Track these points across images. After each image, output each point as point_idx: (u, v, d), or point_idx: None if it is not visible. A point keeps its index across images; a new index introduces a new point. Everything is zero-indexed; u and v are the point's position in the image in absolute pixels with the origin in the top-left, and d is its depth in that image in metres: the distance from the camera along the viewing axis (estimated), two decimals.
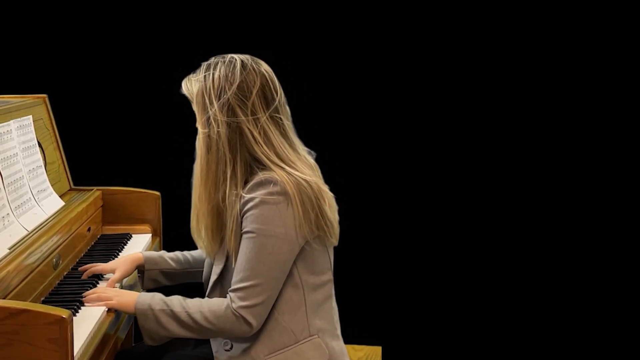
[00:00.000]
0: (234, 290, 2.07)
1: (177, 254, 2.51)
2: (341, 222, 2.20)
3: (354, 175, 3.73)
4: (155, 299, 2.15)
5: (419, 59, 3.64)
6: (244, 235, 2.07)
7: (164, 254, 2.50)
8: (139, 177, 3.38)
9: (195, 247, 2.42)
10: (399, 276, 3.78)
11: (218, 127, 2.08)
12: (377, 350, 2.84)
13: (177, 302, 2.13)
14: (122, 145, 3.76)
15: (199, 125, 2.14)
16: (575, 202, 3.65)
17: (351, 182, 3.72)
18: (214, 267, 2.21)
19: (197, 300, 2.14)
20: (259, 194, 2.04)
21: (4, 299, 2.03)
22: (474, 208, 3.72)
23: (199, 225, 2.18)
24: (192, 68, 2.22)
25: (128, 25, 3.70)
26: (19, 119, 2.62)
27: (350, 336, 2.88)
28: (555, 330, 3.74)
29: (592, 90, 3.56)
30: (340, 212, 2.21)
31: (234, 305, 2.05)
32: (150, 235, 3.04)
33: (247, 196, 2.05)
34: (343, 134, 3.72)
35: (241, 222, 2.08)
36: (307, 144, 2.24)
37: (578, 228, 3.66)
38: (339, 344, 2.23)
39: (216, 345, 2.21)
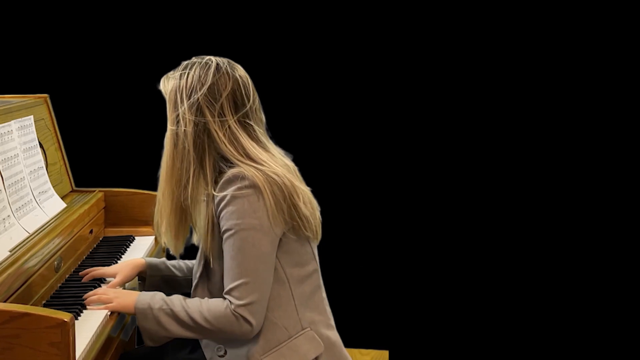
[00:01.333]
0: (228, 292, 2.08)
1: (179, 262, 2.52)
2: (347, 227, 2.20)
3: (362, 178, 3.73)
4: (156, 299, 2.16)
5: (399, 59, 3.66)
6: (224, 236, 2.10)
7: (166, 261, 2.52)
8: (142, 179, 3.35)
9: (197, 250, 2.43)
10: (406, 279, 3.77)
11: (185, 126, 2.13)
12: (384, 355, 2.84)
13: (177, 301, 2.15)
14: (125, 145, 3.76)
15: (168, 122, 2.19)
16: (566, 201, 3.67)
17: (359, 185, 3.72)
18: (194, 269, 2.25)
19: (196, 300, 2.16)
20: (229, 190, 2.07)
21: (4, 302, 2.02)
22: (479, 210, 3.72)
23: (161, 221, 2.23)
24: None
25: (132, 24, 3.70)
26: (20, 119, 2.61)
27: (357, 340, 2.87)
28: (561, 331, 3.73)
29: (592, 90, 3.58)
30: (346, 217, 2.22)
31: (232, 306, 2.07)
32: (154, 237, 3.03)
33: (219, 195, 2.09)
34: (335, 135, 3.73)
35: (218, 223, 2.11)
36: (306, 145, 2.25)
37: (573, 227, 3.68)
38: (333, 333, 2.25)
39: (210, 352, 2.22)
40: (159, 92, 3.72)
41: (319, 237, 2.23)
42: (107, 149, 3.76)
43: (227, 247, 2.09)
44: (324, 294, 2.28)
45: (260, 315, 2.09)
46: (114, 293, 2.25)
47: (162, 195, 2.20)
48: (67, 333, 1.83)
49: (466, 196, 3.72)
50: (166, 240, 2.25)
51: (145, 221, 3.07)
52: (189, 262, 2.51)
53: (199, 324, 2.10)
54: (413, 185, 3.74)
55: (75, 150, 3.18)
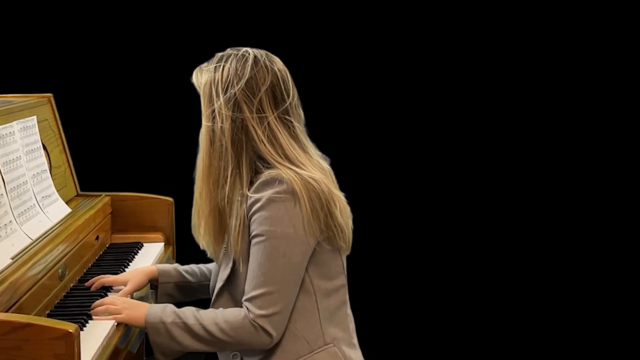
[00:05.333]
0: (250, 300, 2.06)
1: (192, 266, 2.50)
2: (363, 235, 2.20)
3: (380, 185, 3.74)
4: (167, 312, 2.14)
5: (435, 69, 3.70)
6: (254, 241, 2.08)
7: (178, 266, 2.50)
8: (151, 182, 3.37)
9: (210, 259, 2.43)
10: (426, 290, 3.78)
11: (222, 122, 2.11)
12: None
13: (190, 313, 2.13)
14: (132, 148, 3.77)
15: (203, 117, 2.16)
16: (583, 202, 3.73)
17: (379, 195, 3.73)
18: (220, 272, 2.22)
19: (211, 311, 2.15)
20: (266, 193, 2.05)
21: (6, 312, 2.02)
22: (500, 222, 3.75)
23: (199, 222, 2.21)
24: None
25: (140, 20, 3.71)
26: (22, 120, 2.62)
27: (375, 351, 2.87)
28: (571, 336, 3.77)
29: (592, 90, 3.64)
30: (362, 224, 2.21)
31: (251, 316, 2.05)
32: (163, 244, 3.03)
33: (254, 196, 2.06)
34: (361, 140, 3.73)
35: (249, 225, 2.09)
36: (322, 149, 2.25)
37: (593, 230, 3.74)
38: (356, 353, 2.23)
39: (224, 358, 2.21)
40: (168, 92, 3.75)
41: (350, 247, 2.21)
42: (113, 151, 3.77)
43: (256, 253, 2.07)
44: (349, 311, 2.26)
45: (280, 326, 2.08)
46: (122, 303, 2.23)
47: (200, 195, 2.18)
48: (72, 344, 1.82)
49: (479, 207, 3.77)
50: (204, 243, 2.24)
51: (154, 227, 3.07)
52: (204, 267, 2.49)
53: (215, 336, 2.09)
54: (432, 194, 3.76)
55: (80, 153, 3.19)
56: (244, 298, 2.09)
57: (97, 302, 2.26)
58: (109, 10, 3.71)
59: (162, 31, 3.70)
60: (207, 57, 2.26)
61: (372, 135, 3.73)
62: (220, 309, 2.16)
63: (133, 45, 3.72)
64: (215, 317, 2.11)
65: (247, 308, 2.06)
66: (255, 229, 2.07)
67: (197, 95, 2.26)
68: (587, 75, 3.61)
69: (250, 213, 2.08)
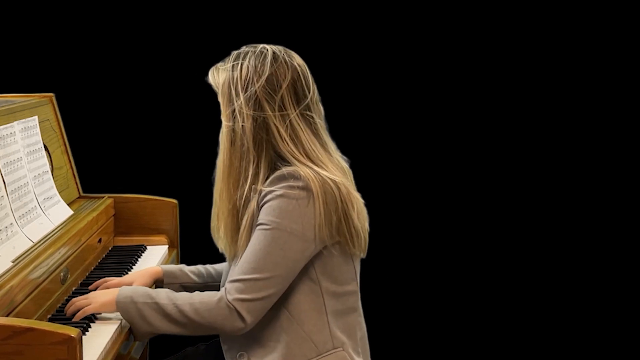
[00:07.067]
0: (233, 282, 2.06)
1: (199, 267, 2.50)
2: (377, 238, 2.20)
3: (398, 187, 3.74)
4: (139, 291, 2.15)
5: (456, 71, 3.72)
6: (257, 228, 2.07)
7: (184, 267, 2.50)
8: (154, 184, 3.37)
9: (215, 260, 2.42)
10: (437, 299, 3.78)
11: (243, 121, 2.10)
12: None
13: (163, 294, 2.13)
14: (135, 148, 3.76)
15: (223, 117, 2.16)
16: (595, 206, 3.75)
17: (396, 197, 3.73)
18: (230, 271, 2.20)
19: (186, 293, 2.15)
20: (279, 187, 2.05)
21: (7, 316, 2.02)
22: (526, 234, 3.77)
23: (218, 224, 2.21)
24: (209, 66, 2.23)
25: (143, 20, 3.71)
26: (23, 120, 2.62)
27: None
28: (582, 343, 3.77)
29: (592, 90, 3.65)
30: (376, 227, 2.21)
31: (229, 297, 2.05)
32: (167, 246, 3.03)
33: (267, 189, 2.06)
34: (377, 141, 3.73)
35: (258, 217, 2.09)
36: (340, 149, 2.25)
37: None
38: None
39: (230, 357, 2.20)
40: (174, 91, 3.75)
41: (365, 250, 2.20)
42: (116, 152, 3.76)
43: (254, 239, 2.07)
44: (361, 319, 2.25)
45: (258, 314, 2.07)
46: (92, 295, 2.24)
47: (220, 196, 2.18)
48: (74, 349, 1.82)
49: (499, 214, 3.77)
50: (222, 245, 2.24)
51: (157, 229, 3.07)
52: (210, 267, 2.49)
53: (189, 317, 2.08)
54: (443, 199, 3.78)
55: (82, 154, 3.19)
56: (228, 279, 2.09)
57: (68, 303, 2.26)
58: (112, 9, 3.71)
59: (165, 31, 3.70)
60: (210, 57, 2.25)
61: (390, 136, 3.74)
62: (197, 292, 2.16)
63: (136, 44, 3.72)
64: (191, 298, 2.10)
65: (227, 290, 2.06)
66: (261, 218, 2.07)
67: (201, 96, 2.26)
68: (587, 75, 3.63)
69: (261, 204, 2.08)
